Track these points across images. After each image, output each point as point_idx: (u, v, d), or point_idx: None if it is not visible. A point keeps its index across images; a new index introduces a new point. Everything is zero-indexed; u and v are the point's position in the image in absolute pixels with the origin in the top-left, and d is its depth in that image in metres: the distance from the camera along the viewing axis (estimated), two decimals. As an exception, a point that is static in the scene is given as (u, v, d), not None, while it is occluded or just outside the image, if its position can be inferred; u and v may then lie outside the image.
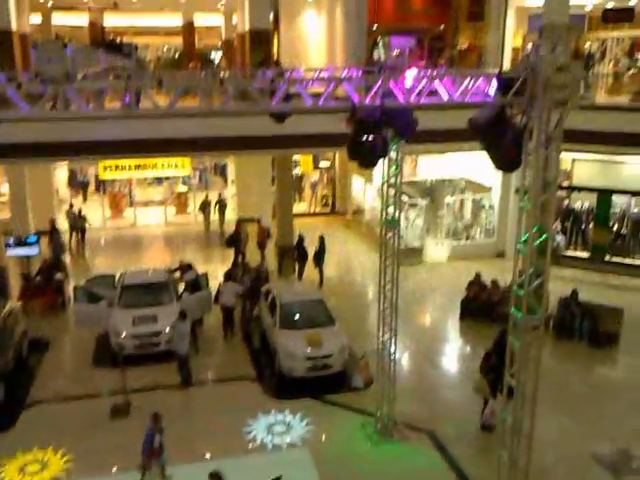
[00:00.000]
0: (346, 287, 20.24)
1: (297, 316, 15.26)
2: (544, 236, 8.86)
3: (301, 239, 20.15)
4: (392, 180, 11.61)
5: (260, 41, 23.47)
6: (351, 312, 17.40)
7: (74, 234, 24.41)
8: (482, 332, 16.53)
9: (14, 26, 22.47)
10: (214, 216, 25.97)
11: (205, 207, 26.05)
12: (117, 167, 24.65)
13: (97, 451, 11.72)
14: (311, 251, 20.09)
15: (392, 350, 12.02)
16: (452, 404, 13.60)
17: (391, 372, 12.09)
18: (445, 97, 9.43)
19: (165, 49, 52.01)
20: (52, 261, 19.67)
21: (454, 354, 16.26)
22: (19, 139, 15.58)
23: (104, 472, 11.32)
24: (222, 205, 25.88)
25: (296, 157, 26.26)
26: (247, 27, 24.09)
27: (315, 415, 12.89)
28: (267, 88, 10.67)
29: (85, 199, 28.09)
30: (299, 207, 27.48)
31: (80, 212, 24.72)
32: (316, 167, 28.60)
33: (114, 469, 11.39)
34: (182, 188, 28.58)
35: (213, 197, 26.33)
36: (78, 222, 24.33)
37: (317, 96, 9.39)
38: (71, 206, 25.55)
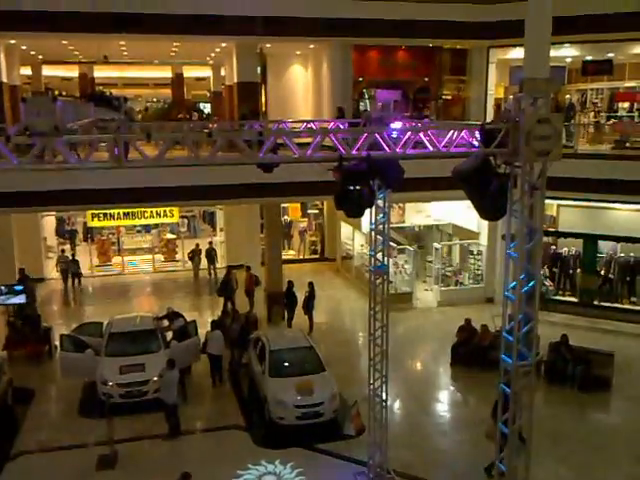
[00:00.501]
0: (336, 333, 20.20)
1: (287, 363, 15.19)
2: (532, 282, 9.01)
3: (290, 285, 20.19)
4: (380, 227, 11.80)
5: (248, 93, 24.01)
6: (341, 359, 17.34)
7: (68, 279, 24.59)
8: (473, 378, 16.55)
9: (4, 78, 22.90)
10: (204, 264, 25.89)
11: (195, 256, 25.97)
12: (105, 215, 24.80)
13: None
14: (300, 297, 20.11)
15: (384, 397, 11.97)
16: (445, 451, 13.49)
17: (383, 419, 12.01)
18: (430, 148, 9.68)
19: (154, 100, 52.85)
20: (25, 310, 19.26)
21: (446, 400, 16.17)
22: (6, 188, 15.69)
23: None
24: (212, 253, 25.80)
25: (284, 204, 26.53)
26: (235, 79, 24.67)
27: (306, 464, 12.70)
28: (255, 139, 10.89)
29: (73, 248, 27.96)
30: (288, 254, 27.63)
31: (74, 256, 24.87)
32: (304, 214, 28.91)
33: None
34: (170, 236, 28.67)
35: (203, 245, 26.34)
36: (71, 267, 24.49)
37: (304, 145, 9.62)
38: (62, 251, 25.63)
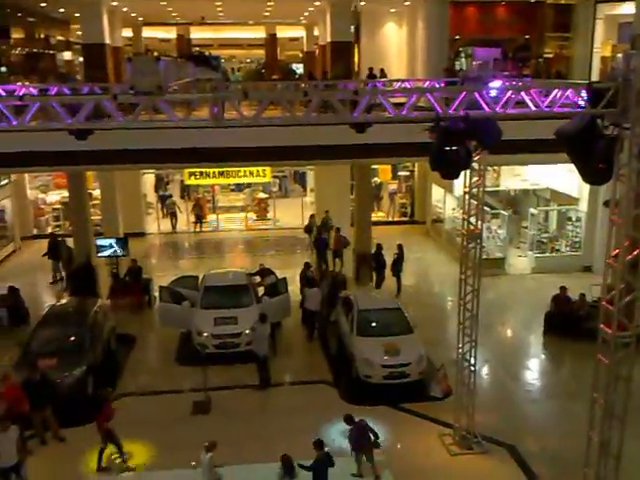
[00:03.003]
0: (424, 296, 20.14)
1: (374, 324, 15.34)
2: (637, 250, 8.61)
3: (379, 248, 20.19)
4: (474, 190, 11.55)
5: (341, 53, 23.81)
6: (429, 321, 17.24)
7: (174, 223, 27.40)
8: (567, 348, 16.15)
9: (107, 40, 23.80)
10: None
11: (312, 227, 24.15)
12: (202, 174, 25.54)
13: (178, 445, 12.07)
14: (389, 259, 20.10)
15: (472, 361, 11.90)
16: (533, 419, 13.32)
17: (471, 383, 11.97)
18: (532, 108, 9.34)
19: (248, 61, 53.51)
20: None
21: (536, 369, 15.87)
22: (111, 146, 16.42)
23: (183, 466, 11.58)
24: (328, 223, 23.69)
25: (375, 166, 26.34)
26: (329, 39, 24.48)
27: (391, 423, 12.85)
28: (349, 98, 10.86)
29: (165, 215, 28.52)
30: (377, 215, 27.51)
31: (198, 201, 27.63)
32: (395, 176, 28.61)
33: (193, 463, 11.78)
34: (262, 195, 29.27)
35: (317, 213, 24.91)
36: (196, 210, 27.34)
37: (398, 106, 9.51)
38: (170, 196, 28.46)
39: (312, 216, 24.61)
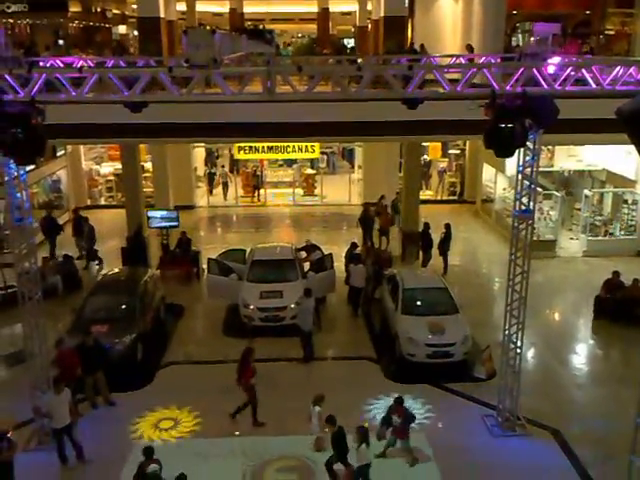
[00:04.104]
0: (471, 276, 19.91)
1: (419, 302, 15.29)
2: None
3: (427, 226, 20.02)
4: (527, 170, 11.29)
5: (395, 27, 23.38)
6: (475, 302, 17.07)
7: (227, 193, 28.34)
8: (617, 333, 15.79)
9: (162, 13, 23.95)
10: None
11: (366, 221, 22.08)
12: (251, 149, 25.67)
13: (223, 414, 12.39)
14: (436, 238, 19.91)
15: (518, 344, 11.75)
16: (579, 404, 13.14)
17: (516, 366, 11.83)
18: (593, 85, 9.04)
19: (299, 35, 53.20)
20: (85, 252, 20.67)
21: (584, 353, 15.56)
22: (164, 119, 16.61)
23: (228, 435, 11.99)
24: (398, 205, 22.76)
25: (425, 143, 25.98)
26: (382, 13, 24.07)
27: (434, 402, 12.87)
28: (403, 74, 10.69)
29: (211, 192, 28.64)
30: (425, 194, 27.22)
31: (255, 171, 28.41)
32: (445, 154, 28.18)
33: (237, 433, 12.07)
34: (310, 171, 29.28)
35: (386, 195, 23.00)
36: (253, 181, 28.38)
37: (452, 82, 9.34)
38: (223, 167, 29.38)
39: (382, 197, 23.07)
